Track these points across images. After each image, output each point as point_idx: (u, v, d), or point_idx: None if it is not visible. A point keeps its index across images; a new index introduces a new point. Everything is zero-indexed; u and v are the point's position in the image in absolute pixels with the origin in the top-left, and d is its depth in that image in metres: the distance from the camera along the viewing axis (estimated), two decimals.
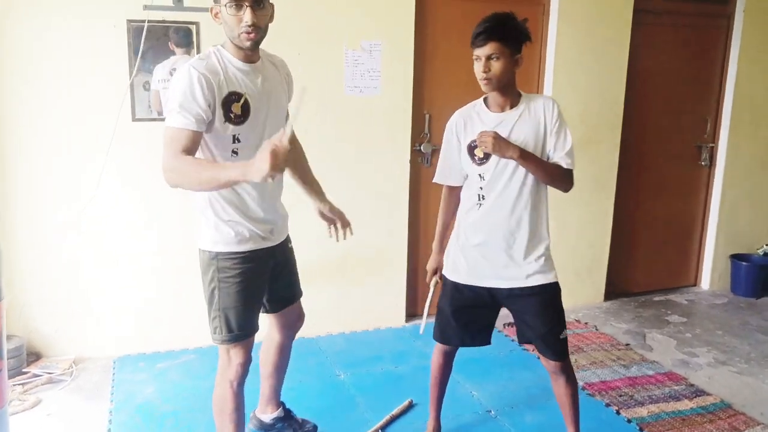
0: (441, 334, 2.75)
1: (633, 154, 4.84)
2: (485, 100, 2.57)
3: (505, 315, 4.60)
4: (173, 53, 3.59)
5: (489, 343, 2.75)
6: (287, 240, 2.62)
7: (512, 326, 4.20)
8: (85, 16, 3.45)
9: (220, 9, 2.12)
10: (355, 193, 4.09)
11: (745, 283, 5.11)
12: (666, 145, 5.01)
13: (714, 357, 4.02)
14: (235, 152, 2.21)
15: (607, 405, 3.34)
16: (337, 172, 4.04)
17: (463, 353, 3.89)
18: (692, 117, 5.07)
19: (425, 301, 2.85)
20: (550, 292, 2.55)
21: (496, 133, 2.40)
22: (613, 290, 4.98)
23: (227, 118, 2.15)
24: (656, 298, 5.07)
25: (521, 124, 2.46)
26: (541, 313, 2.56)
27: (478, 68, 2.40)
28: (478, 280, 2.59)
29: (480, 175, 2.52)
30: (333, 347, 3.99)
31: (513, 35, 2.40)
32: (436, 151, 4.36)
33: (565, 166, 2.46)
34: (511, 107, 2.49)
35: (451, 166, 2.64)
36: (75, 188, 3.59)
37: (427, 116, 4.29)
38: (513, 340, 4.11)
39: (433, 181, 2.74)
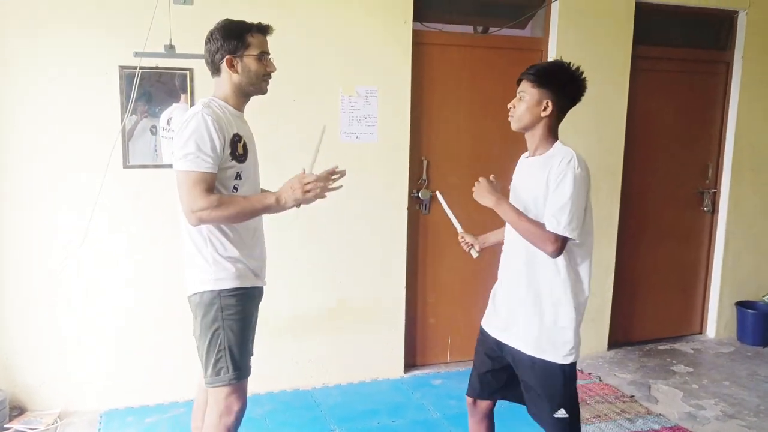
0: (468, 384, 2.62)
1: (634, 201, 4.77)
2: None
3: None
4: (176, 100, 3.58)
5: (517, 401, 2.54)
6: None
7: None
8: (76, 64, 3.42)
9: (243, 59, 2.34)
10: (352, 240, 4.02)
11: (752, 331, 4.99)
12: (667, 191, 4.95)
13: (722, 410, 3.88)
14: (235, 188, 2.35)
15: None
16: (333, 220, 3.97)
17: (453, 407, 3.79)
18: (693, 163, 5.02)
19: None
20: (546, 371, 2.31)
21: (483, 179, 2.41)
22: (617, 339, 4.86)
23: (233, 157, 2.32)
24: (661, 347, 4.94)
25: (533, 172, 2.36)
26: (531, 386, 2.38)
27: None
28: (488, 327, 2.53)
29: None
30: (328, 400, 3.86)
31: (548, 80, 2.32)
32: (434, 198, 4.30)
33: (546, 228, 2.22)
34: (537, 154, 2.40)
35: None
36: (62, 238, 3.51)
37: (425, 162, 4.23)
38: None
39: None
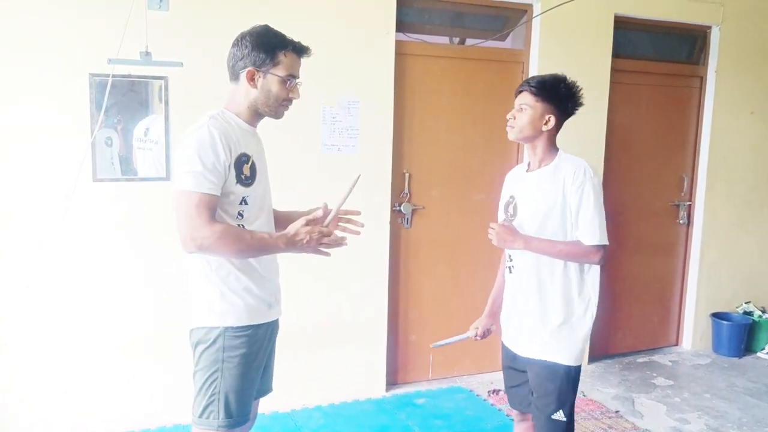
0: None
1: (611, 213, 4.67)
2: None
3: (489, 381, 4.39)
4: (147, 109, 3.37)
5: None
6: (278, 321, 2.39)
7: (497, 393, 3.99)
8: (42, 70, 3.20)
9: (266, 76, 2.13)
10: (332, 255, 3.87)
11: (727, 342, 5.01)
12: (644, 203, 4.95)
13: (706, 423, 3.86)
14: (240, 214, 2.12)
15: None
16: None
17: (439, 428, 3.68)
18: (669, 175, 5.04)
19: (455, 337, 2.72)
20: (549, 371, 2.39)
21: (502, 225, 2.41)
22: (596, 352, 4.82)
23: (238, 180, 2.09)
24: (640, 360, 4.93)
25: (542, 185, 2.40)
26: (536, 387, 2.44)
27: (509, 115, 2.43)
28: (505, 339, 2.57)
29: None
30: (310, 423, 3.69)
31: (550, 95, 2.38)
32: (416, 211, 4.21)
33: (586, 243, 2.34)
34: (542, 166, 2.43)
35: None
36: (25, 258, 3.28)
37: (406, 175, 4.13)
38: (500, 410, 3.89)
39: None
